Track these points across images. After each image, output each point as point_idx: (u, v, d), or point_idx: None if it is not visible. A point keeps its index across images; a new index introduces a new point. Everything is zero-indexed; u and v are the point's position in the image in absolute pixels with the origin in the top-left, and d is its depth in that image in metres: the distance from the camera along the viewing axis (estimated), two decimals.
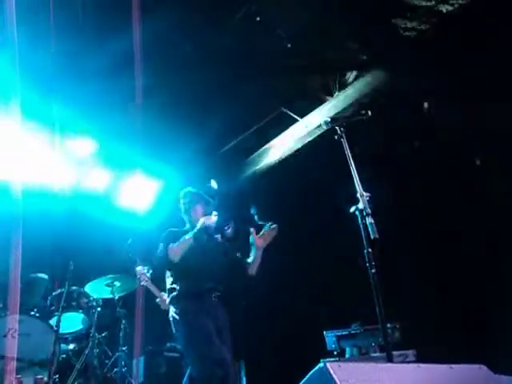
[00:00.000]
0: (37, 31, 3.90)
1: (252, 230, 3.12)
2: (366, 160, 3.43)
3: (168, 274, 3.08)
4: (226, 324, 2.98)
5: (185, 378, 2.85)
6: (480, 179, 4.63)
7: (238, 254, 3.27)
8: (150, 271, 4.39)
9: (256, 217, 3.11)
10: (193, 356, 2.81)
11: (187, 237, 2.92)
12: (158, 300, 4.26)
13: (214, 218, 2.96)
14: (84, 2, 4.15)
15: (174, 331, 2.93)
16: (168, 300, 3.06)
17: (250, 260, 3.17)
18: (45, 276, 4.57)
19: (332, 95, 5.16)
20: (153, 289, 4.32)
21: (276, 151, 5.64)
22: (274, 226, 3.12)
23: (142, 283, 4.35)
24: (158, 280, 4.19)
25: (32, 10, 3.79)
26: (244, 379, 4.81)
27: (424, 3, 4.06)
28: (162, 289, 4.12)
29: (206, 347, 2.71)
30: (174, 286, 3.00)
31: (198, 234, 2.90)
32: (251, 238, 3.12)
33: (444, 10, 4.08)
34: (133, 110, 4.78)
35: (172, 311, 2.95)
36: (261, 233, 3.13)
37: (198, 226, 2.93)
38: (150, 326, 4.77)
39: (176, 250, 2.87)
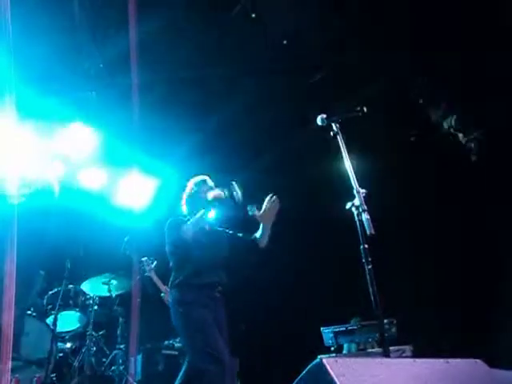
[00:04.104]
0: (34, 25, 3.88)
1: (255, 208, 3.05)
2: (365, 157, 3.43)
3: (171, 263, 3.06)
4: (223, 322, 2.95)
5: (180, 374, 2.84)
6: (480, 177, 4.64)
7: (239, 234, 3.22)
8: (155, 262, 4.40)
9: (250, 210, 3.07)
10: (189, 346, 2.81)
11: (199, 214, 2.90)
12: (162, 294, 4.26)
13: (222, 193, 2.93)
14: None
15: (172, 320, 2.91)
16: (169, 289, 3.06)
17: (258, 234, 3.10)
18: (41, 271, 4.57)
19: (330, 90, 5.15)
20: (157, 282, 4.33)
21: (273, 147, 5.64)
22: (271, 196, 3.06)
23: (146, 273, 4.37)
24: (162, 273, 4.20)
25: (29, 5, 3.77)
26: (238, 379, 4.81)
27: None
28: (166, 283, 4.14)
29: (201, 340, 2.69)
30: (176, 275, 2.98)
31: (210, 205, 2.90)
32: (256, 215, 3.05)
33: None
34: (130, 108, 4.77)
35: (171, 300, 2.94)
36: (262, 209, 3.05)
37: (209, 198, 2.93)
38: (147, 323, 4.77)
39: (189, 227, 2.84)
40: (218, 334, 2.77)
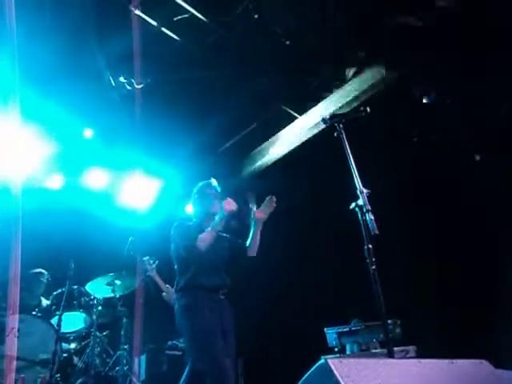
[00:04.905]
0: (36, 29, 3.89)
1: (251, 205, 3.10)
2: (366, 157, 3.42)
3: (176, 266, 3.07)
4: (230, 324, 2.95)
5: (183, 376, 2.85)
6: (480, 177, 4.62)
7: (238, 241, 3.26)
8: (157, 262, 4.42)
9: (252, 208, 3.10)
10: (194, 351, 2.81)
11: (215, 224, 2.90)
12: (164, 294, 4.28)
13: (233, 205, 2.94)
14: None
15: (176, 323, 2.91)
16: (174, 293, 3.07)
17: (248, 242, 3.15)
18: (44, 272, 4.58)
19: (331, 92, 5.16)
20: (159, 281, 4.35)
21: (275, 148, 5.64)
22: (271, 196, 3.11)
23: (148, 273, 4.39)
24: (163, 273, 4.21)
25: (31, 8, 3.79)
26: (241, 379, 4.82)
27: None
28: (168, 282, 4.16)
29: (206, 344, 2.70)
30: (180, 278, 2.99)
31: (225, 219, 2.90)
32: (251, 213, 3.09)
33: (442, 5, 4.07)
34: (132, 109, 4.78)
35: (176, 304, 2.95)
36: (260, 207, 3.12)
37: (224, 211, 2.92)
38: (151, 324, 4.78)
39: (206, 239, 2.85)
40: (222, 339, 2.78)
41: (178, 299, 2.94)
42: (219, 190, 3.22)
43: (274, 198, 3.11)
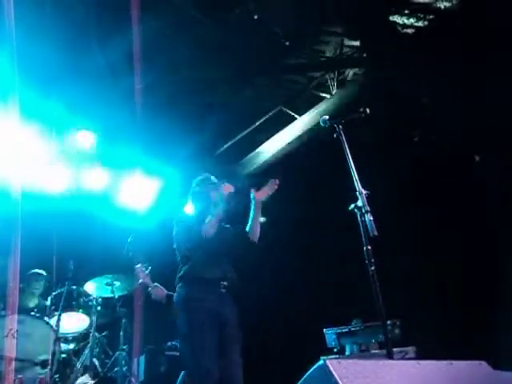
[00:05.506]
0: (37, 28, 3.89)
1: (252, 189, 3.09)
2: (366, 157, 3.42)
3: (179, 258, 3.05)
4: (231, 319, 2.88)
5: (180, 377, 2.84)
6: (480, 177, 4.62)
7: (239, 226, 3.22)
8: (150, 268, 4.39)
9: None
10: (184, 345, 2.81)
11: (215, 211, 2.90)
12: (149, 289, 4.22)
13: (230, 187, 2.94)
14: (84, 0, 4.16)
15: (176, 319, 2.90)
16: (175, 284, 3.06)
17: (248, 226, 3.11)
18: (43, 272, 4.58)
19: (331, 93, 5.16)
20: (147, 280, 4.30)
21: (275, 149, 5.64)
22: (275, 180, 3.11)
23: (140, 281, 4.34)
24: (156, 279, 4.19)
25: (32, 8, 3.79)
26: None
27: (422, 0, 4.06)
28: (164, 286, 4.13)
29: (196, 343, 2.68)
30: (182, 268, 2.97)
31: (220, 203, 2.91)
32: (251, 195, 3.07)
33: (442, 7, 4.08)
34: (132, 109, 4.78)
35: (176, 296, 2.94)
36: (262, 188, 3.10)
37: (223, 195, 2.93)
38: (150, 325, 4.78)
39: (210, 227, 2.85)
40: (217, 334, 2.75)
41: (178, 288, 2.93)
42: (215, 181, 3.21)
43: (278, 182, 3.10)
